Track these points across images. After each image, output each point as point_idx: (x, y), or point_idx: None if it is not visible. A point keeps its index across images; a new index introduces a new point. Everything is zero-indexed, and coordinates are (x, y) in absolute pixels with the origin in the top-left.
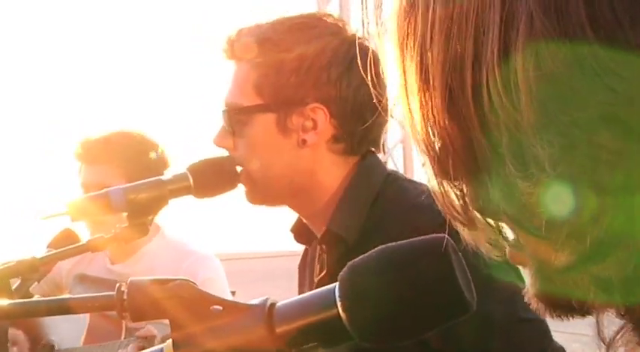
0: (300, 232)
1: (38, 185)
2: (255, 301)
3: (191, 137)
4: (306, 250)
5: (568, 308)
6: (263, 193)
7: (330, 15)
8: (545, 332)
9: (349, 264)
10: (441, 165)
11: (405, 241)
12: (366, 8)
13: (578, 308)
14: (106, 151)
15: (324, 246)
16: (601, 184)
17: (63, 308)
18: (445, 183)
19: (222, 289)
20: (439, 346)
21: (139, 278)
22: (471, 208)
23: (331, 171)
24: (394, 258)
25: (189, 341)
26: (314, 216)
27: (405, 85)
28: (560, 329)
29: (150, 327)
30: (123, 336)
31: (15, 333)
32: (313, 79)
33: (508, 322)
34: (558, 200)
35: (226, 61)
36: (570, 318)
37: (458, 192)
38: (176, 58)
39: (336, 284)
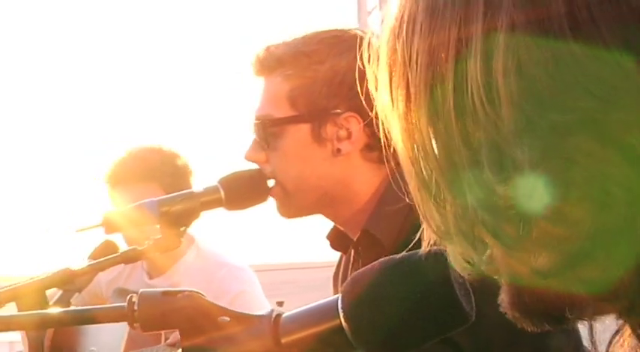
0: (336, 239)
1: (67, 199)
2: (261, 312)
3: (213, 149)
4: (340, 259)
5: (546, 316)
6: (297, 206)
7: (361, 30)
8: (572, 332)
9: (352, 275)
10: (424, 181)
11: (406, 254)
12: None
13: (558, 316)
14: (141, 169)
15: (360, 250)
16: (577, 186)
17: (80, 319)
18: (427, 198)
19: (255, 301)
20: (470, 349)
21: (149, 290)
22: (449, 222)
23: (365, 179)
24: (395, 270)
25: (199, 351)
26: (349, 222)
27: (393, 106)
28: None
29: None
30: (162, 343)
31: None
32: (346, 89)
33: None
34: (534, 200)
35: (255, 77)
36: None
37: (441, 209)
38: (196, 69)
39: (339, 295)
